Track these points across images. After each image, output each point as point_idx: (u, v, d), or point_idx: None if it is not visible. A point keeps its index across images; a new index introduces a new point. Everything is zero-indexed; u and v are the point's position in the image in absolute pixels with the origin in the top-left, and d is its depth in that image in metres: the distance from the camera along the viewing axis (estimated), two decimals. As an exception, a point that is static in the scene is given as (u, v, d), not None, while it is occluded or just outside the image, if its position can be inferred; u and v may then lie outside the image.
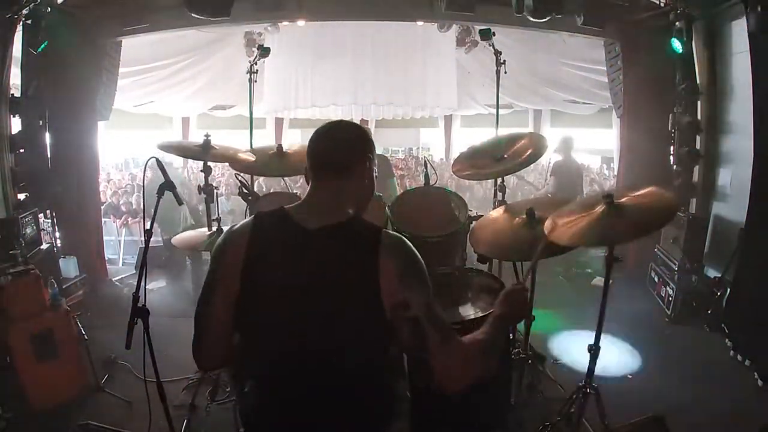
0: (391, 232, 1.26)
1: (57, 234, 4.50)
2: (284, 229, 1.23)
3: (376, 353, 1.24)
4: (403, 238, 1.25)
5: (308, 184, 1.32)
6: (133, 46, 5.35)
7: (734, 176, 4.20)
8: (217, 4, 4.13)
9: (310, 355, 1.19)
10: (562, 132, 6.62)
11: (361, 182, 1.32)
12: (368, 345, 1.21)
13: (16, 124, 4.00)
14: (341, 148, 1.29)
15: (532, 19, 4.26)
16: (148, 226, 1.87)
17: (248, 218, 1.31)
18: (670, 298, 4.20)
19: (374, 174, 1.35)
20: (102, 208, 5.86)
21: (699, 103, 4.51)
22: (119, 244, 6.63)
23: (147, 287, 1.85)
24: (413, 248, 1.23)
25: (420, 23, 6.23)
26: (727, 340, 3.57)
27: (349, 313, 1.17)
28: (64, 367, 2.93)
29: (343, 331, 1.18)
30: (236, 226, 1.29)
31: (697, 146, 4.54)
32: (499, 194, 3.19)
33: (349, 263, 1.18)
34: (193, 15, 4.12)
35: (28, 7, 3.70)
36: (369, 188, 1.35)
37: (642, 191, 2.04)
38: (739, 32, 3.89)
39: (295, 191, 4.40)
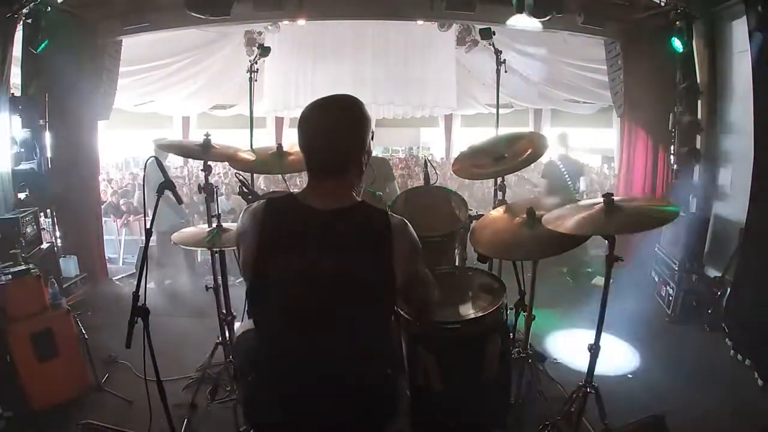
0: (394, 214, 1.37)
1: (57, 233, 4.51)
2: (296, 210, 1.29)
3: (383, 329, 1.35)
4: (404, 219, 1.37)
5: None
6: (133, 45, 5.34)
7: (734, 176, 4.20)
8: (217, 5, 4.15)
9: (322, 333, 1.25)
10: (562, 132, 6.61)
11: (363, 165, 1.36)
12: (377, 318, 1.32)
13: (16, 124, 4.00)
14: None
15: (533, 18, 4.26)
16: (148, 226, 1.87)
17: (260, 201, 1.36)
18: (670, 298, 4.20)
19: (371, 144, 1.38)
20: (102, 208, 5.85)
21: (699, 102, 4.51)
22: (119, 244, 6.62)
23: (148, 286, 1.85)
24: (412, 227, 1.38)
25: (420, 23, 6.22)
26: (727, 340, 3.57)
27: (362, 290, 1.25)
28: (64, 366, 2.92)
29: (356, 306, 1.25)
30: (251, 207, 1.35)
31: (697, 146, 4.54)
32: (499, 194, 3.18)
33: (364, 242, 1.27)
34: (193, 15, 4.12)
35: (28, 7, 3.70)
36: (366, 160, 1.38)
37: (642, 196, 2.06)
38: (739, 32, 3.89)
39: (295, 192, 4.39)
